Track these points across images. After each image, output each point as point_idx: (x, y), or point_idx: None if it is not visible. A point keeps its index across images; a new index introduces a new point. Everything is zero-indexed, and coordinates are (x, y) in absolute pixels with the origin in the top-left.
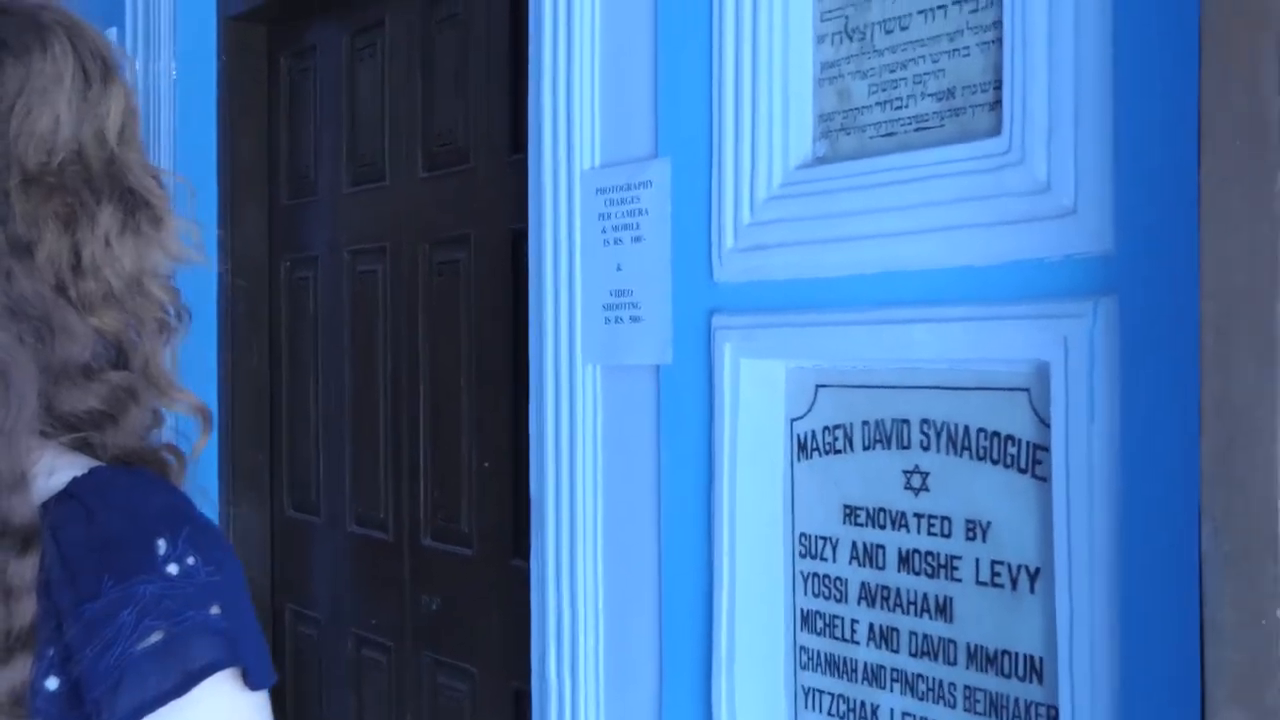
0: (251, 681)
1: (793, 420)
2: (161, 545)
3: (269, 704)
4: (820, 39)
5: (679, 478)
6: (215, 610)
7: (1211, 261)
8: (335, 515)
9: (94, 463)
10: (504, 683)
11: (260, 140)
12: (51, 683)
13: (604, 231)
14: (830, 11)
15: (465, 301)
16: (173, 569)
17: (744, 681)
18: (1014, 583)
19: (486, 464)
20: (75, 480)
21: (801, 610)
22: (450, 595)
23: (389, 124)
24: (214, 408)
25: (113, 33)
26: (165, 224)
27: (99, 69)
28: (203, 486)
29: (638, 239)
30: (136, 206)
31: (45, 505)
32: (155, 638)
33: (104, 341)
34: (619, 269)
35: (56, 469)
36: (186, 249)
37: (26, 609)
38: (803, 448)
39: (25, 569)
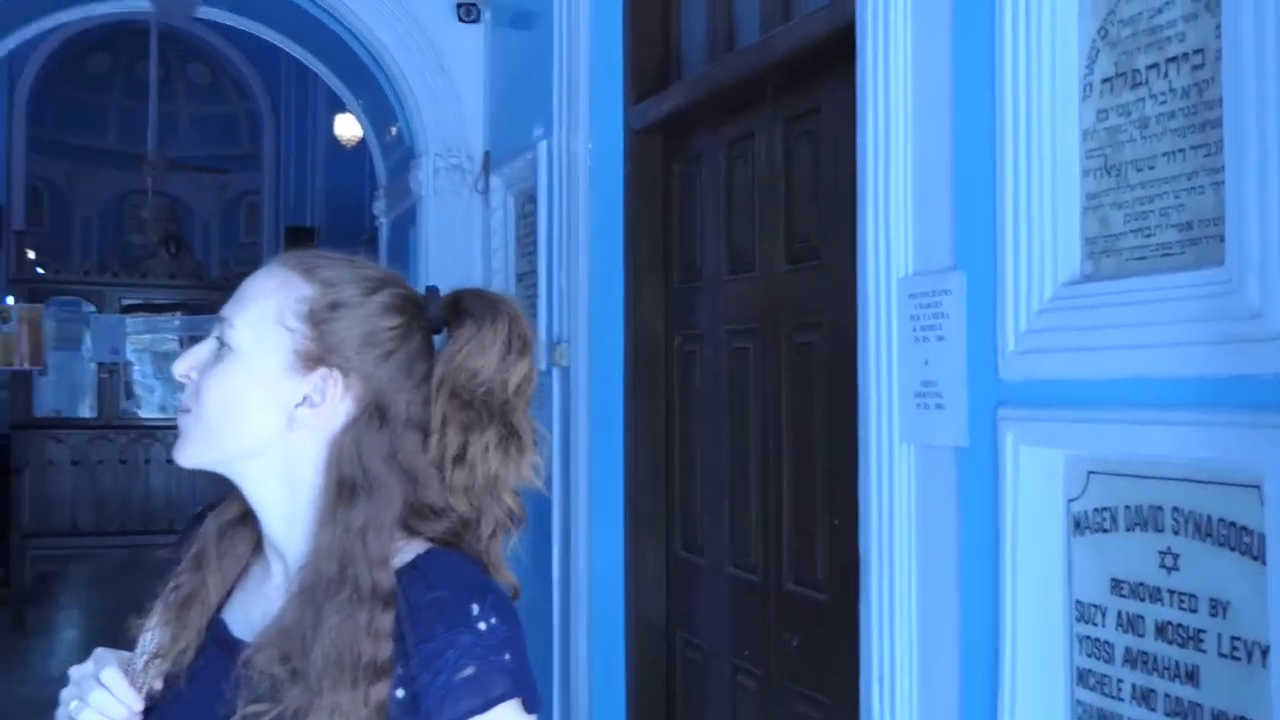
0: (528, 707)
1: (1069, 500)
2: (475, 608)
3: None
4: (1085, 173)
5: (975, 544)
6: (508, 656)
7: None
8: (716, 558)
9: (430, 545)
10: (851, 714)
11: (657, 233)
12: (400, 693)
13: (914, 330)
14: (1093, 151)
15: (818, 377)
16: (482, 625)
17: None
18: (1249, 657)
19: (836, 520)
20: (418, 557)
21: (1077, 669)
22: (807, 633)
23: (758, 222)
24: (620, 458)
25: (543, 146)
26: (527, 455)
27: (519, 346)
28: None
29: (940, 338)
30: (511, 436)
31: (398, 572)
32: (468, 671)
33: (457, 517)
34: (926, 363)
35: (406, 550)
36: (535, 477)
37: (386, 647)
38: (1078, 525)
39: (387, 620)
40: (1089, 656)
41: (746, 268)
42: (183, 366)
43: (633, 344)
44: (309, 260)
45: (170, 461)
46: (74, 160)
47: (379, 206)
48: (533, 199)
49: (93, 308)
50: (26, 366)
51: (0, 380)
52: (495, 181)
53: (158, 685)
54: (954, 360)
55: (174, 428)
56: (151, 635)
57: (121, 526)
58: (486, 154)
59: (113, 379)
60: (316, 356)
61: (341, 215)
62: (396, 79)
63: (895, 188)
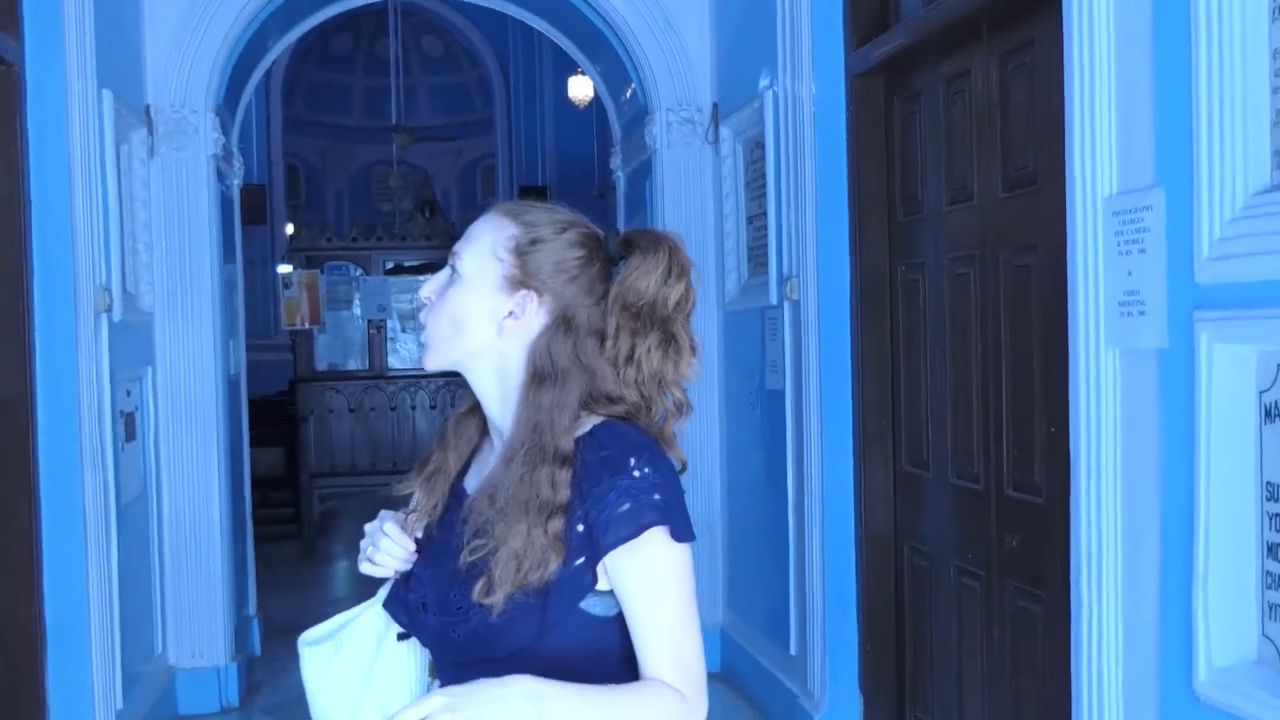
0: (676, 536)
1: (1261, 391)
2: (633, 461)
3: (689, 554)
4: (1274, 90)
5: (1173, 437)
6: (657, 497)
7: None
8: (940, 470)
9: (607, 420)
10: (1067, 608)
11: (880, 170)
12: (579, 527)
13: (1119, 245)
14: None
15: (1034, 297)
16: (637, 473)
17: (1217, 597)
18: None
19: (1052, 428)
20: (595, 427)
21: (1267, 543)
22: (1026, 535)
23: (976, 154)
24: (848, 382)
25: (769, 95)
26: (684, 356)
27: (677, 271)
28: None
29: (1142, 250)
30: (671, 342)
31: (579, 440)
32: (625, 507)
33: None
34: (1129, 274)
35: (586, 424)
36: (692, 374)
37: (564, 493)
38: (1268, 413)
39: (564, 474)
40: (1278, 531)
41: (965, 198)
42: (426, 290)
43: (859, 276)
44: (517, 208)
45: (434, 407)
46: (325, 137)
47: (615, 162)
48: (760, 145)
49: (360, 270)
50: (307, 326)
51: (286, 340)
52: (724, 131)
53: (419, 533)
54: (1154, 270)
55: (431, 378)
56: (413, 500)
57: (393, 466)
58: (715, 106)
59: (380, 334)
60: (519, 280)
61: (570, 174)
62: (628, 40)
63: (1100, 114)
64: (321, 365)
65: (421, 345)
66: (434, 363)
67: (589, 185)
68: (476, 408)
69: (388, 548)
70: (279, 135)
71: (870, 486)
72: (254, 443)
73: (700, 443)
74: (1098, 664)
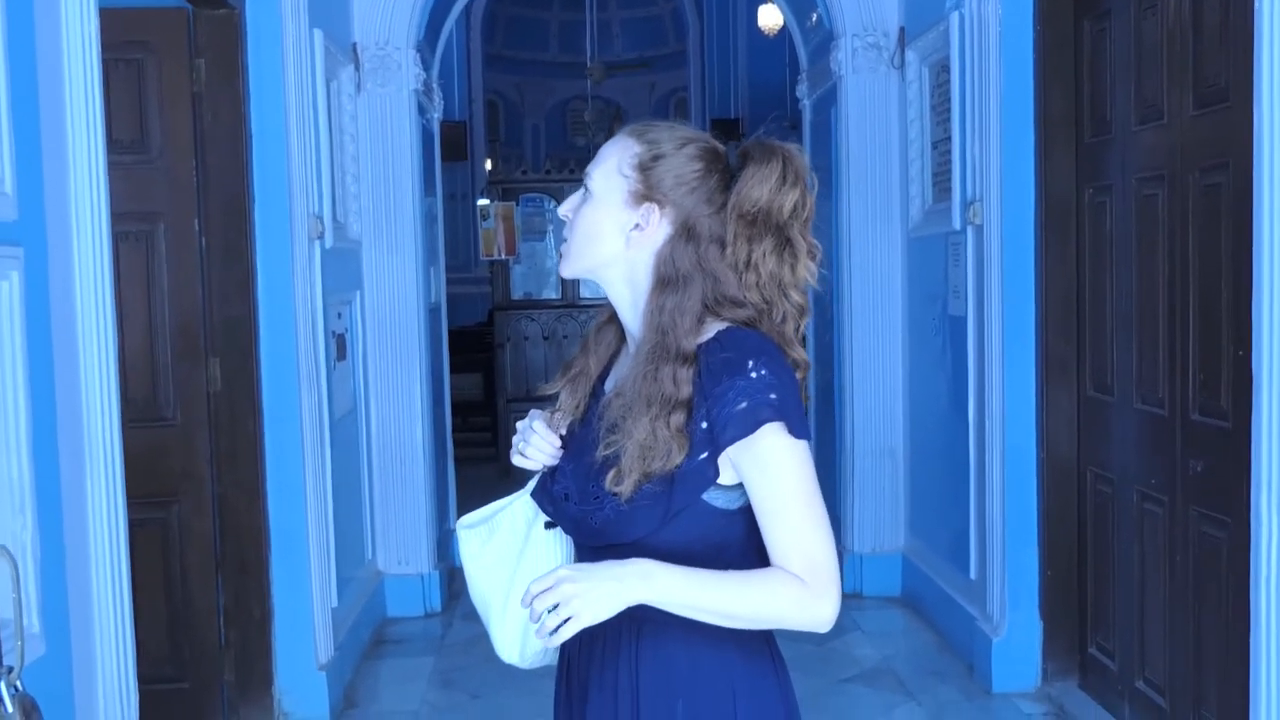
0: (792, 431)
1: None
2: (750, 363)
3: (807, 450)
4: None
5: None
6: (773, 396)
7: None
8: (1125, 395)
9: (731, 325)
10: (1247, 529)
11: (1068, 92)
12: (702, 424)
13: None
14: None
15: (1225, 217)
16: (754, 374)
17: None
18: None
19: (1240, 351)
20: (718, 332)
21: None
22: (1210, 459)
23: (1166, 72)
24: (1031, 307)
25: (955, 17)
26: (801, 261)
27: (791, 179)
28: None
29: None
30: (785, 246)
31: (703, 344)
32: (742, 405)
33: (753, 307)
34: None
35: (711, 329)
36: (811, 278)
37: (685, 390)
38: None
39: (686, 372)
40: None
41: (1155, 117)
42: (564, 209)
43: (1043, 199)
44: (642, 128)
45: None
46: (523, 73)
47: (801, 90)
48: (946, 69)
49: (554, 203)
50: (503, 256)
51: (485, 272)
52: (910, 56)
53: (563, 431)
54: None
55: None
56: (559, 400)
57: None
58: (901, 30)
59: None
60: (643, 194)
61: (762, 105)
62: None
63: None
64: (517, 294)
65: (559, 257)
66: (569, 271)
67: (780, 116)
68: (614, 317)
69: (536, 443)
70: (479, 72)
71: (1053, 412)
72: (454, 369)
73: (883, 368)
74: (1277, 591)
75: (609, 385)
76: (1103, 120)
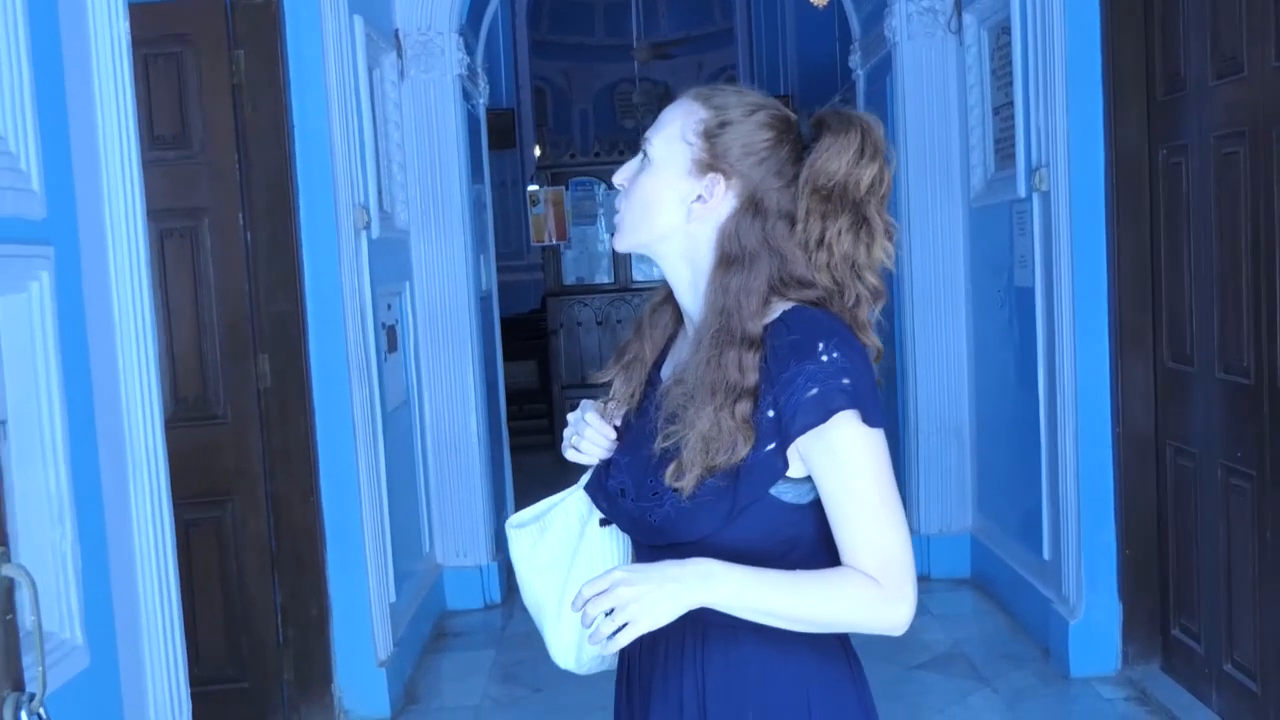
0: (867, 420)
1: None
2: (821, 345)
3: (883, 438)
4: None
5: None
6: (846, 381)
7: None
8: (1206, 364)
9: (798, 305)
10: None
11: (1138, 47)
12: (769, 413)
13: None
14: None
15: None
16: (824, 358)
17: None
18: None
19: None
20: (784, 313)
21: None
22: None
23: (1245, 20)
24: (1103, 274)
25: None
26: (878, 240)
27: (870, 151)
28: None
29: None
30: (863, 225)
31: (768, 325)
32: (813, 392)
33: (822, 288)
34: None
35: (776, 309)
36: (887, 259)
37: (752, 376)
38: None
39: (752, 357)
40: None
41: (1234, 70)
42: (619, 176)
43: (1113, 161)
44: (707, 91)
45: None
46: (569, 58)
47: (854, 60)
48: (1006, 30)
49: (604, 185)
50: (554, 242)
51: (537, 260)
52: (968, 19)
53: (617, 421)
54: None
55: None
56: (612, 388)
57: None
58: None
59: None
60: (707, 164)
61: (813, 80)
62: None
63: None
64: (569, 280)
65: (612, 229)
66: (623, 245)
67: (831, 91)
68: (671, 297)
69: (591, 436)
70: (526, 60)
71: (1128, 384)
72: (508, 357)
73: (947, 344)
74: None
75: (665, 371)
76: (1176, 76)
